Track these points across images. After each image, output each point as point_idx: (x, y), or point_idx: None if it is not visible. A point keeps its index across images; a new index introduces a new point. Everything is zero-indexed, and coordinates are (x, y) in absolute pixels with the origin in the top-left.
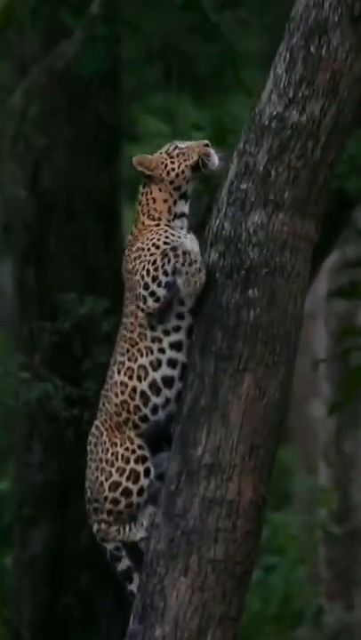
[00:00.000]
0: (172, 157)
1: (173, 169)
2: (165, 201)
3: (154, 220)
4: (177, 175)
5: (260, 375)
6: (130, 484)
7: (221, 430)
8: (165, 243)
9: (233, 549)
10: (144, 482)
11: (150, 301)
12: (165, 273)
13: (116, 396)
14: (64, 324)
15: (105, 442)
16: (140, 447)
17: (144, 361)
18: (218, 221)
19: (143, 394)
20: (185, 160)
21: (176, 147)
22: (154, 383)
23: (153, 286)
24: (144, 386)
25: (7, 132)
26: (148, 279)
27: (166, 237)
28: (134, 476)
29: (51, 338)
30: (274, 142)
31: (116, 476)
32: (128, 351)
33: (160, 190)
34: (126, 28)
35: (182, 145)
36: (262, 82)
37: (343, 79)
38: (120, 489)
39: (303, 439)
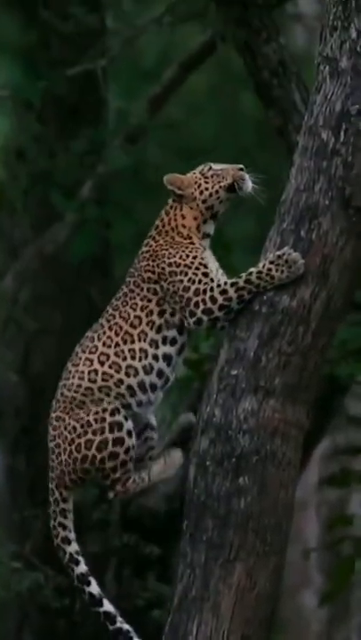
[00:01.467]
0: (206, 178)
1: (207, 188)
2: (195, 219)
3: (184, 237)
4: (210, 195)
5: (251, 565)
6: (115, 434)
7: (212, 621)
8: (204, 266)
9: None
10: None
11: (205, 321)
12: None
13: (92, 382)
14: None
15: (70, 423)
16: (113, 412)
17: (136, 364)
18: (208, 408)
19: (130, 387)
20: (219, 182)
21: (210, 168)
22: (142, 383)
23: (216, 312)
24: (133, 381)
25: None
26: (209, 304)
27: (202, 258)
28: (117, 427)
29: (42, 525)
30: (264, 327)
31: (98, 437)
32: (117, 345)
33: (191, 209)
34: (118, 211)
35: (216, 167)
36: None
37: (334, 264)
38: (109, 444)
39: (295, 629)
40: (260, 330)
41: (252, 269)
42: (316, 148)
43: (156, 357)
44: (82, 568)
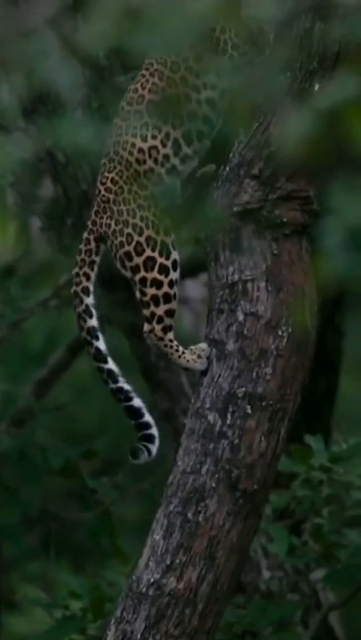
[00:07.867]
0: None
1: None
2: None
3: None
4: None
5: None
6: (163, 260)
7: None
8: None
9: None
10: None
11: None
12: None
13: (143, 140)
14: None
15: (129, 200)
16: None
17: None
18: None
19: (176, 142)
20: None
21: None
22: (188, 133)
23: None
24: (178, 134)
25: None
26: None
27: None
28: (166, 252)
29: None
30: (151, 610)
31: (148, 252)
32: (164, 90)
33: None
34: (3, 493)
35: None
36: (139, 548)
37: (220, 546)
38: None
39: None
40: (147, 612)
41: None
42: (203, 430)
43: (200, 87)
44: (94, 322)
